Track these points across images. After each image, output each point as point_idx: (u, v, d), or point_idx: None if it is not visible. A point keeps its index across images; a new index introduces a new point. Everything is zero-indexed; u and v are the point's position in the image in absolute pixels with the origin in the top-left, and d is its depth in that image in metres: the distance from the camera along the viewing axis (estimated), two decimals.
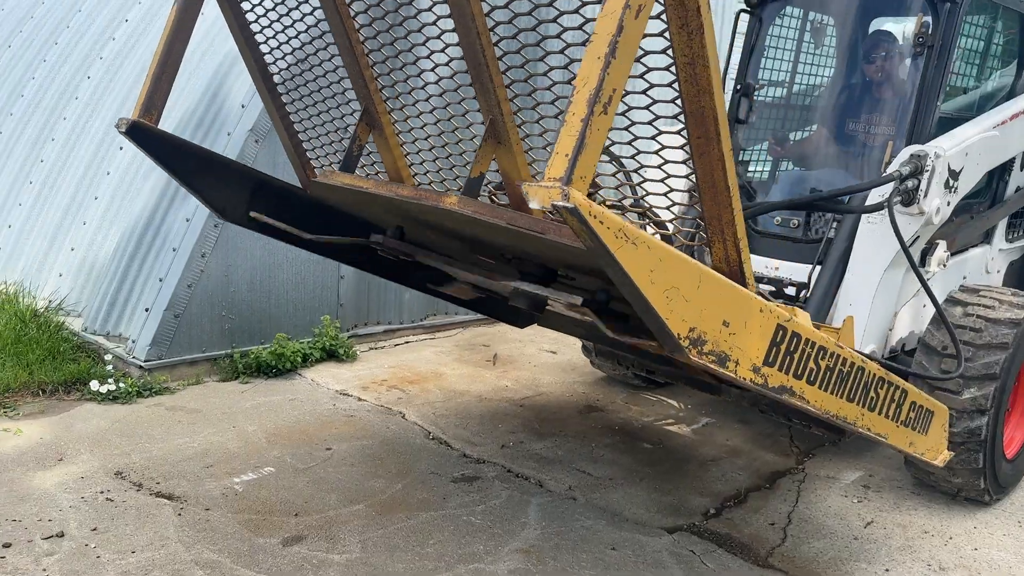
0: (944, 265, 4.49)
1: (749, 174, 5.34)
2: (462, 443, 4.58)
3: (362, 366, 5.72)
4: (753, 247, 4.89)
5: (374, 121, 3.28)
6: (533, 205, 1.88)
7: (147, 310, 5.31)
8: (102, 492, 3.77)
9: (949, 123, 4.55)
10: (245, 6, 3.39)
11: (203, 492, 3.84)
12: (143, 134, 3.33)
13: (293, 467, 4.16)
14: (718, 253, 2.49)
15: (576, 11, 2.38)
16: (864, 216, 4.19)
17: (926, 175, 4.01)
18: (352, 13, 3.05)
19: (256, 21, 3.42)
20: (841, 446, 4.85)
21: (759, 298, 2.41)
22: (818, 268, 4.36)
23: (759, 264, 4.75)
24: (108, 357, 5.23)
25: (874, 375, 2.90)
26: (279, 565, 3.29)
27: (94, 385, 4.91)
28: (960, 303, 4.22)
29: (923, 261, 4.44)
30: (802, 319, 2.71)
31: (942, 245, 4.45)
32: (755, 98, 5.20)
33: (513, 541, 3.60)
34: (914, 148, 4.10)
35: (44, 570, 3.13)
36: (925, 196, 4.03)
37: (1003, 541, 3.92)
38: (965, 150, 4.28)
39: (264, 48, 3.51)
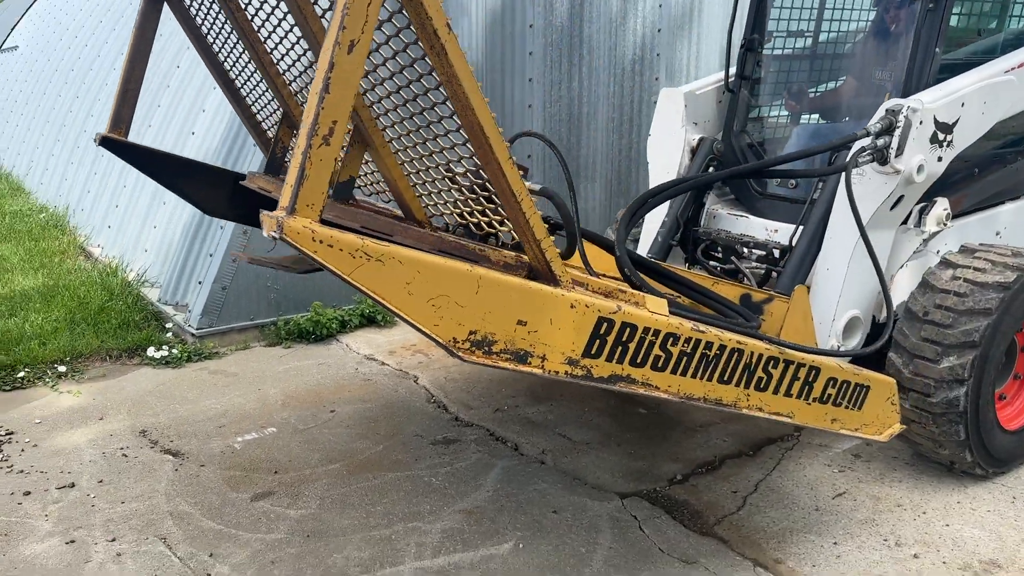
0: (945, 224, 4.20)
1: (767, 131, 5.17)
2: (459, 407, 4.82)
3: (398, 331, 6.05)
4: (755, 209, 4.79)
5: (293, 123, 3.52)
6: (263, 233, 2.04)
7: (200, 282, 5.88)
8: (121, 448, 4.31)
9: (960, 71, 4.21)
10: (197, 20, 3.69)
11: (205, 450, 4.31)
12: (116, 145, 3.72)
13: (294, 428, 4.56)
14: (529, 253, 2.55)
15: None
16: (843, 175, 4.00)
17: (897, 131, 3.77)
18: (249, 17, 3.27)
19: (208, 34, 3.71)
20: None
21: (574, 293, 2.46)
22: (801, 229, 4.24)
23: (759, 227, 4.64)
24: (168, 325, 5.85)
25: (760, 355, 2.86)
26: (239, 518, 3.68)
27: (151, 351, 5.54)
28: (951, 265, 3.97)
29: (920, 220, 4.19)
30: (649, 306, 2.73)
31: (942, 202, 4.17)
32: (766, 52, 5.02)
33: (461, 502, 3.82)
34: (891, 102, 3.86)
35: (47, 516, 3.68)
36: (900, 153, 3.80)
37: (984, 518, 3.72)
38: (960, 100, 3.98)
39: (221, 56, 3.81)
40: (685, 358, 2.71)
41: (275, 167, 3.71)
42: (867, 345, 3.96)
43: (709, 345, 2.75)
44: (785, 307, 3.67)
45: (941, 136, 3.93)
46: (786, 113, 5.15)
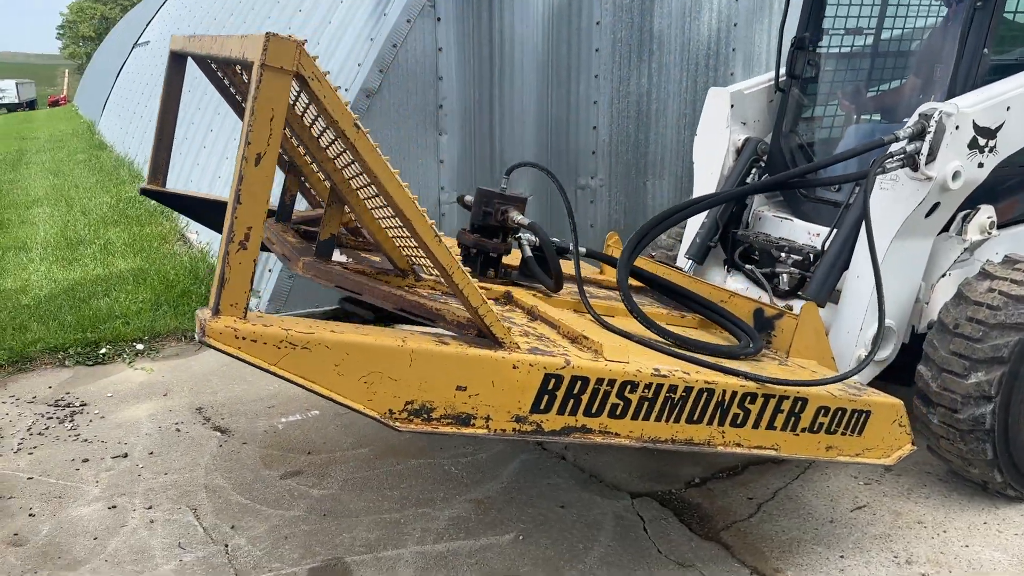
0: (989, 232, 4.02)
1: (819, 131, 5.04)
2: None
3: None
4: (800, 212, 4.70)
5: (299, 172, 3.72)
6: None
7: (269, 271, 6.23)
8: (176, 424, 4.66)
9: (1014, 73, 4.01)
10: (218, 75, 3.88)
11: (251, 428, 4.60)
12: (155, 193, 4.02)
13: (336, 411, 4.80)
14: (469, 315, 2.58)
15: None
16: (877, 179, 3.89)
17: (929, 136, 3.64)
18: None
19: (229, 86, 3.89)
20: None
21: (516, 354, 2.50)
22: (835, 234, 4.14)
23: (801, 230, 4.55)
24: None
25: (734, 392, 2.84)
26: (266, 494, 3.93)
27: None
28: (989, 276, 3.80)
29: (961, 228, 4.01)
30: (607, 354, 2.73)
31: (986, 210, 3.99)
32: (820, 50, 4.88)
33: (474, 492, 3.95)
34: (925, 106, 3.73)
35: (97, 482, 4.04)
36: (932, 159, 3.66)
37: (1008, 542, 3.56)
38: (1004, 103, 3.79)
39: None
40: (646, 403, 2.71)
41: (286, 214, 3.92)
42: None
43: (673, 388, 2.75)
44: (794, 324, 3.60)
45: (982, 141, 3.76)
46: (840, 113, 5.02)
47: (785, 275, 4.40)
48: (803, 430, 3.02)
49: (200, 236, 8.21)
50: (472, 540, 3.56)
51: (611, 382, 2.63)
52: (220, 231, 4.31)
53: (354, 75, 6.14)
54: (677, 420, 2.78)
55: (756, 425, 2.93)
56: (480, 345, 2.51)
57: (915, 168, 3.70)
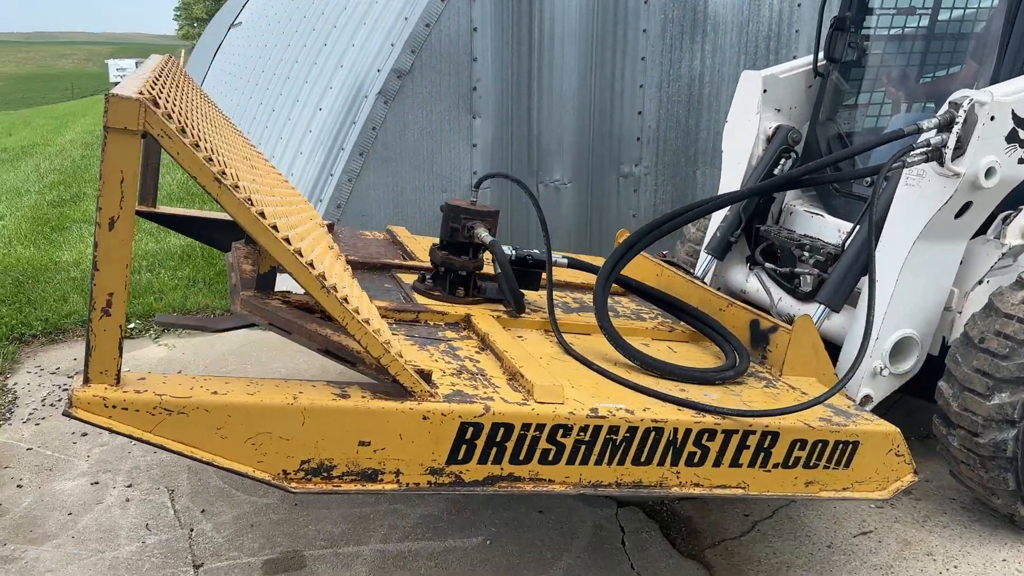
0: None
1: (860, 120, 4.64)
2: None
3: None
4: (832, 207, 4.36)
5: None
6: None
7: (331, 175, 6.17)
8: None
9: None
10: None
11: None
12: (148, 214, 3.93)
13: None
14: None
15: None
16: (904, 174, 3.53)
17: (956, 127, 3.26)
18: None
19: None
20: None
21: (428, 404, 2.32)
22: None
23: (831, 227, 4.20)
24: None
25: (688, 430, 2.59)
26: (244, 480, 3.87)
27: None
28: None
29: (1001, 231, 3.60)
30: (537, 395, 2.51)
31: None
32: (866, 31, 4.49)
33: None
34: (957, 94, 3.34)
35: (88, 457, 4.07)
36: (962, 153, 3.28)
37: None
38: None
39: None
40: (583, 447, 2.50)
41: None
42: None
43: (614, 429, 2.52)
44: (787, 339, 3.29)
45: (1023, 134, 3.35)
46: (887, 101, 4.61)
47: (807, 276, 4.08)
48: (775, 466, 2.75)
49: None
50: (438, 541, 3.42)
51: (540, 427, 2.43)
52: (215, 245, 4.29)
53: (387, 55, 6.04)
54: (622, 463, 2.56)
55: (717, 463, 2.67)
56: (388, 395, 2.33)
57: (941, 162, 3.33)
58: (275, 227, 2.14)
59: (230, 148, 2.82)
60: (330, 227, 4.30)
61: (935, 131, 3.34)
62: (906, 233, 3.49)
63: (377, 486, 2.31)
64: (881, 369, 3.56)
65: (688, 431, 2.60)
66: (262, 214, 2.12)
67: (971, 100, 3.25)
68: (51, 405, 4.63)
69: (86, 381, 2.05)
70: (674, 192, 6.97)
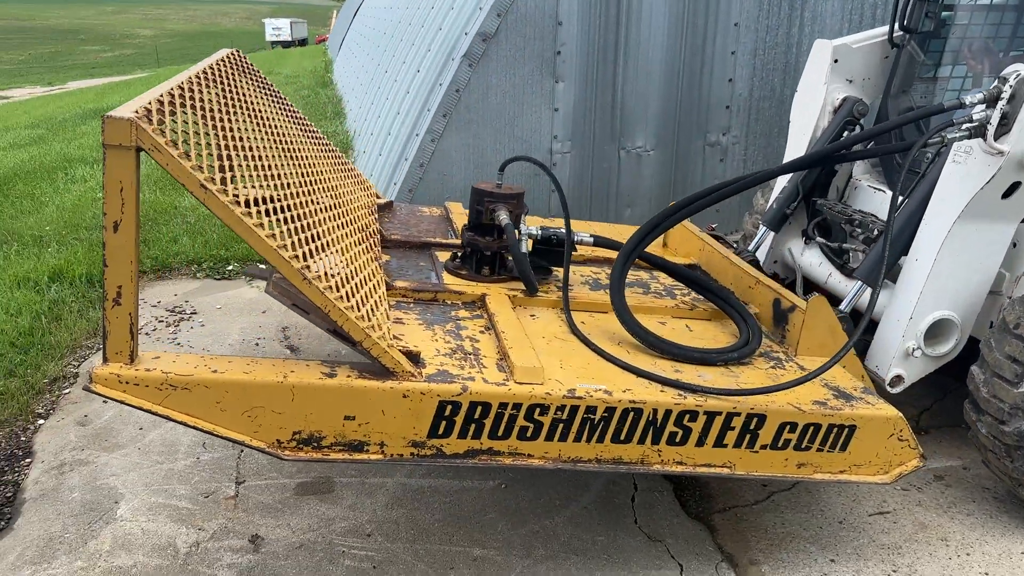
0: None
1: (937, 93, 4.44)
2: None
3: None
4: (893, 183, 4.24)
5: None
6: None
7: (406, 159, 6.47)
8: (258, 339, 5.09)
9: None
10: None
11: (317, 351, 4.92)
12: None
13: None
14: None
15: None
16: (952, 151, 3.41)
17: (1001, 102, 3.12)
18: None
19: None
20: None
21: (408, 383, 2.51)
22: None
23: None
24: None
25: (668, 411, 2.69)
26: None
27: None
28: None
29: None
30: (517, 376, 2.64)
31: None
32: (947, 2, 4.29)
33: None
34: (1009, 68, 3.19)
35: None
36: (1008, 130, 3.15)
37: None
38: None
39: None
40: (561, 425, 2.64)
41: None
42: None
43: (592, 409, 2.64)
44: (801, 319, 3.26)
45: None
46: (969, 75, 4.39)
47: (859, 252, 4.00)
48: (763, 447, 2.80)
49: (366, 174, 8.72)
50: (457, 481, 3.64)
51: (516, 406, 2.59)
52: None
53: (474, 18, 6.20)
54: (601, 440, 2.69)
55: (700, 443, 2.76)
56: (373, 374, 2.54)
57: (986, 139, 3.20)
58: (261, 225, 2.37)
59: (262, 145, 3.04)
60: (388, 205, 4.54)
61: (984, 106, 3.21)
62: (948, 211, 3.38)
63: (363, 456, 2.55)
64: (913, 350, 3.48)
65: (668, 412, 2.69)
66: (250, 213, 2.36)
67: (1019, 74, 3.11)
68: (146, 334, 5.13)
69: (105, 360, 2.38)
70: (764, 163, 6.85)
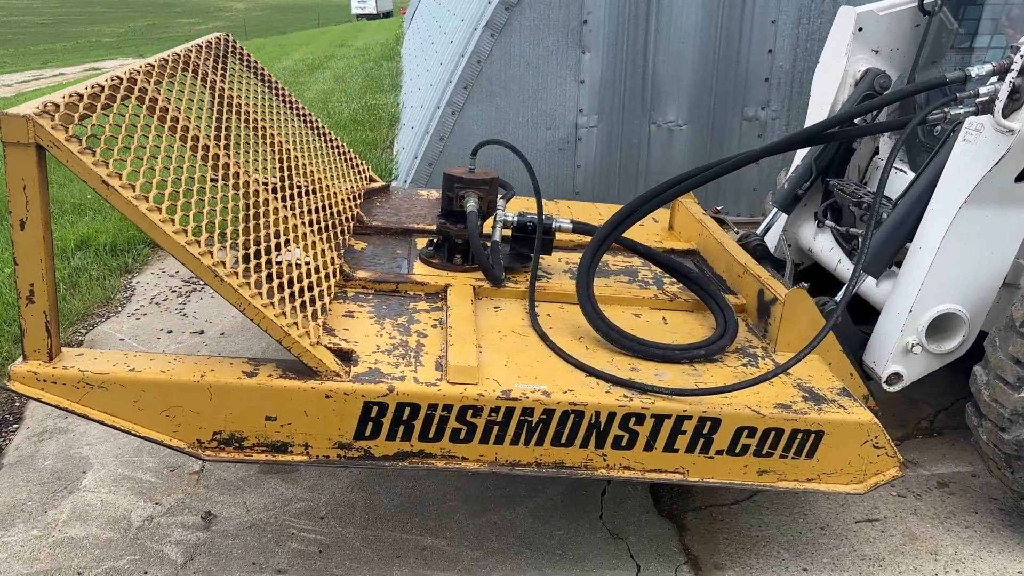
0: None
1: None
2: None
3: None
4: (916, 163, 3.93)
5: None
6: None
7: (416, 157, 6.38)
8: None
9: None
10: None
11: None
12: None
13: None
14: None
15: None
16: (963, 129, 3.10)
17: (1011, 75, 2.80)
18: None
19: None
20: None
21: (330, 383, 2.41)
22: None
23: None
24: None
25: (612, 413, 2.52)
26: None
27: None
28: None
29: None
30: (451, 376, 2.53)
31: None
32: None
33: None
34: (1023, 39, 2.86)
35: (163, 351, 4.56)
36: (1018, 107, 2.83)
37: None
38: None
39: None
40: (496, 427, 2.50)
41: None
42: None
43: (528, 411, 2.48)
44: (780, 313, 3.01)
45: None
46: (1007, 45, 3.99)
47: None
48: (719, 452, 2.60)
49: (397, 147, 8.65)
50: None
51: (447, 407, 2.47)
52: None
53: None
54: (540, 443, 2.54)
55: (649, 448, 2.58)
56: (296, 374, 2.45)
57: (998, 115, 2.88)
58: (170, 221, 2.28)
59: (209, 136, 2.93)
60: (384, 189, 4.42)
61: (996, 78, 2.89)
62: (954, 195, 3.07)
63: (287, 457, 2.48)
64: (913, 346, 3.20)
65: (612, 414, 2.52)
66: (158, 209, 2.27)
67: None
68: (156, 304, 5.19)
69: (24, 358, 2.35)
70: None
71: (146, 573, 2.88)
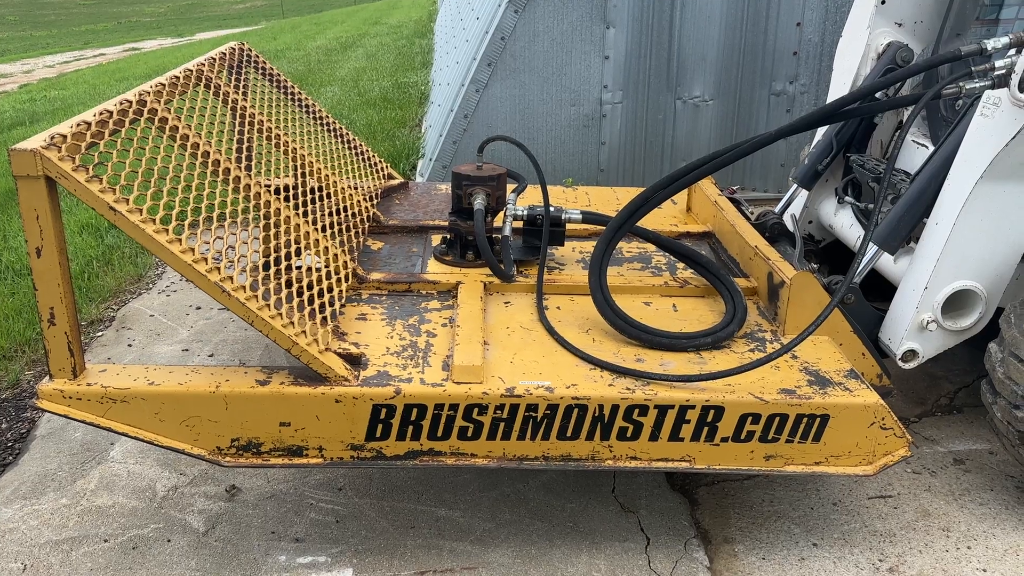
0: None
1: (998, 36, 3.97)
2: None
3: None
4: (938, 138, 3.87)
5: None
6: None
7: (441, 136, 6.42)
8: None
9: None
10: None
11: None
12: None
13: None
14: None
15: None
16: (981, 103, 3.05)
17: None
18: None
19: None
20: None
21: (339, 388, 2.49)
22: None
23: None
24: None
25: (615, 406, 2.55)
26: None
27: None
28: None
29: None
30: (456, 375, 2.57)
31: None
32: None
33: None
34: None
35: (191, 328, 4.66)
36: None
37: None
38: None
39: None
40: (503, 424, 2.55)
41: None
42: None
43: (533, 407, 2.53)
44: (787, 296, 3.00)
45: None
46: None
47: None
48: (724, 440, 2.62)
49: (425, 125, 8.69)
50: None
51: (453, 407, 2.53)
52: None
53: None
54: (546, 438, 2.59)
55: (654, 438, 2.61)
56: (307, 380, 2.52)
57: (1010, 88, 2.83)
58: (176, 241, 2.36)
59: (221, 151, 2.97)
60: (403, 185, 4.44)
61: (1013, 51, 2.84)
62: (970, 170, 3.03)
63: (303, 460, 2.58)
64: (929, 322, 3.17)
65: (616, 407, 2.56)
66: (165, 230, 2.36)
67: None
68: (186, 281, 5.30)
69: (50, 377, 2.47)
70: None
71: (169, 541, 2.99)
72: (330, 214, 3.43)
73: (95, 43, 29.14)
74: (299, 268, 2.98)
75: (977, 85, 2.87)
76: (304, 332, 2.55)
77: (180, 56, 19.17)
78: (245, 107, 3.45)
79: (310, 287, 2.83)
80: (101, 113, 2.53)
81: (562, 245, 3.54)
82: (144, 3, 62.99)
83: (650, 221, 3.49)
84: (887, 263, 3.49)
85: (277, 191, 3.36)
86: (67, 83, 15.57)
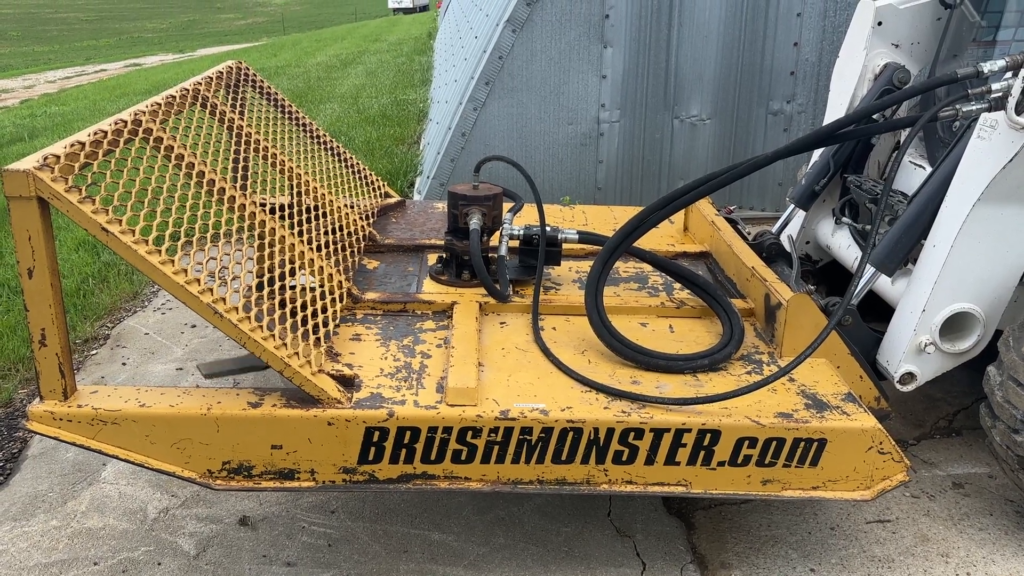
0: None
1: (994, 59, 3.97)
2: None
3: None
4: (935, 159, 3.86)
5: None
6: None
7: (439, 153, 6.41)
8: None
9: None
10: None
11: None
12: None
13: None
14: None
15: None
16: (978, 126, 3.04)
17: (1023, 72, 2.74)
18: None
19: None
20: None
21: (332, 411, 2.46)
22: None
23: None
24: None
25: (611, 429, 2.52)
26: None
27: None
28: None
29: None
30: (450, 398, 2.55)
31: None
32: None
33: None
34: None
35: (185, 347, 4.64)
36: None
37: None
38: None
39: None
40: (496, 447, 2.52)
41: None
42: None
43: (527, 430, 2.50)
44: (784, 318, 2.98)
45: None
46: None
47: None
48: (721, 464, 2.60)
49: (425, 142, 8.70)
50: None
51: (447, 430, 2.50)
52: None
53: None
54: (541, 461, 2.56)
55: (650, 462, 2.58)
56: (299, 403, 2.50)
57: (1016, 112, 2.82)
58: (169, 263, 2.33)
59: (215, 171, 2.93)
60: (400, 204, 4.43)
61: (1010, 74, 2.84)
62: (968, 192, 3.02)
63: (295, 483, 2.54)
64: (926, 345, 3.15)
65: (611, 430, 2.53)
66: (158, 251, 2.32)
67: None
68: None
69: (40, 398, 2.44)
70: None
71: (159, 564, 2.95)
72: (325, 233, 3.42)
73: (97, 59, 29.27)
74: (293, 288, 2.96)
75: (974, 108, 2.87)
76: (297, 354, 2.52)
77: (181, 72, 19.25)
78: (242, 126, 3.44)
79: (304, 307, 2.81)
80: (95, 133, 2.51)
81: (558, 265, 3.52)
82: (146, 19, 63.34)
83: (647, 241, 3.47)
84: (885, 285, 3.48)
85: (272, 210, 3.35)
86: (68, 98, 15.61)
